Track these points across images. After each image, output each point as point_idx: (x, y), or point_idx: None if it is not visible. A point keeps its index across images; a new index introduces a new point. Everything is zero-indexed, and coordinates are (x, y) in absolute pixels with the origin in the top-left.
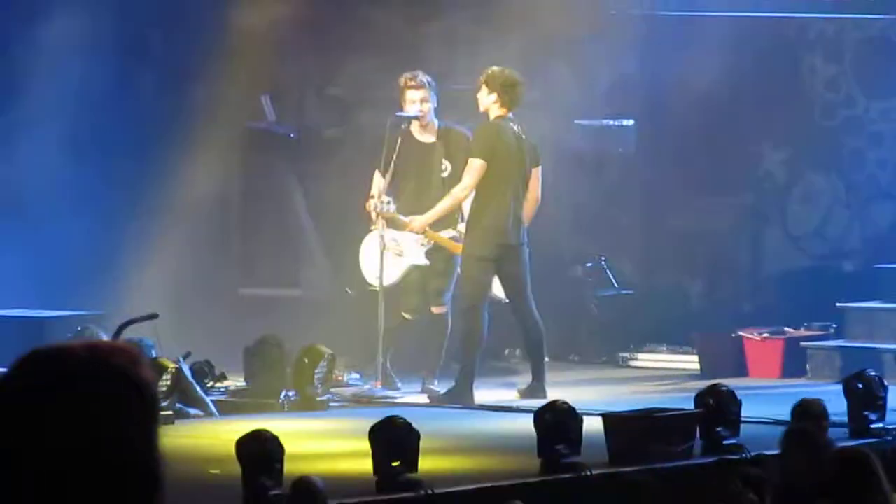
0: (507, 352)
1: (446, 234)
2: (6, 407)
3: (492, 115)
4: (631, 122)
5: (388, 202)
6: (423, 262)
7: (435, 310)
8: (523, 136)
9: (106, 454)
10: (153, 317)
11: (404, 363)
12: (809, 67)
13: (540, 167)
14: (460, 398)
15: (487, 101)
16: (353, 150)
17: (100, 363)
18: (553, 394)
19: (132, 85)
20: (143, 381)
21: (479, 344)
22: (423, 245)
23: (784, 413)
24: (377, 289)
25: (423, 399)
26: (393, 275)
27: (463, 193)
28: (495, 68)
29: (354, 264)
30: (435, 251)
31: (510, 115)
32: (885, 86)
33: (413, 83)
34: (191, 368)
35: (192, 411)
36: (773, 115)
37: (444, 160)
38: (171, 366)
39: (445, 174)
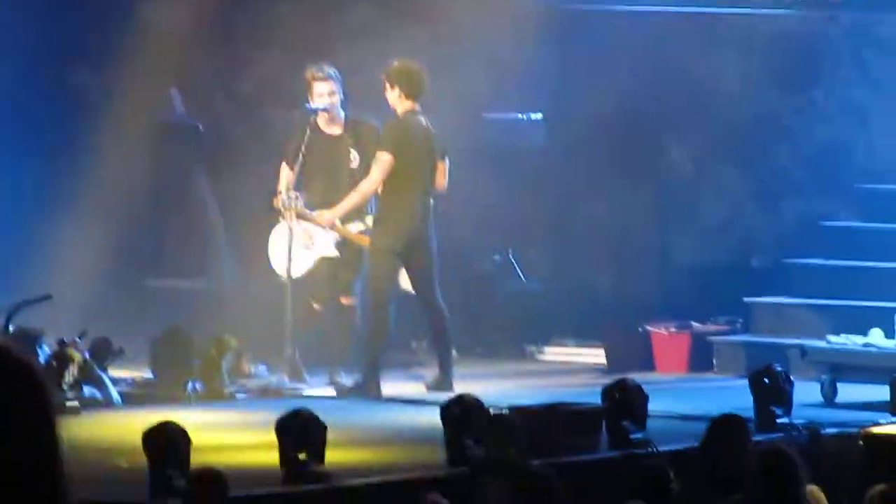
0: (413, 344)
1: (354, 227)
2: None
3: (400, 110)
4: (539, 115)
5: (296, 197)
6: (334, 253)
7: (344, 301)
8: (431, 129)
9: (7, 451)
10: (47, 298)
11: (312, 355)
12: (720, 61)
13: (447, 159)
14: (367, 391)
15: (392, 97)
16: (260, 144)
17: None
18: (460, 387)
19: (39, 78)
20: (39, 375)
21: (385, 337)
22: (333, 237)
23: (689, 408)
24: (285, 280)
25: (331, 391)
26: (302, 266)
27: (371, 188)
28: (394, 63)
29: (261, 256)
30: (345, 243)
31: (417, 107)
32: (797, 80)
33: (320, 75)
34: (89, 347)
35: (88, 390)
36: (684, 109)
37: (353, 151)
38: (78, 356)
39: (354, 165)
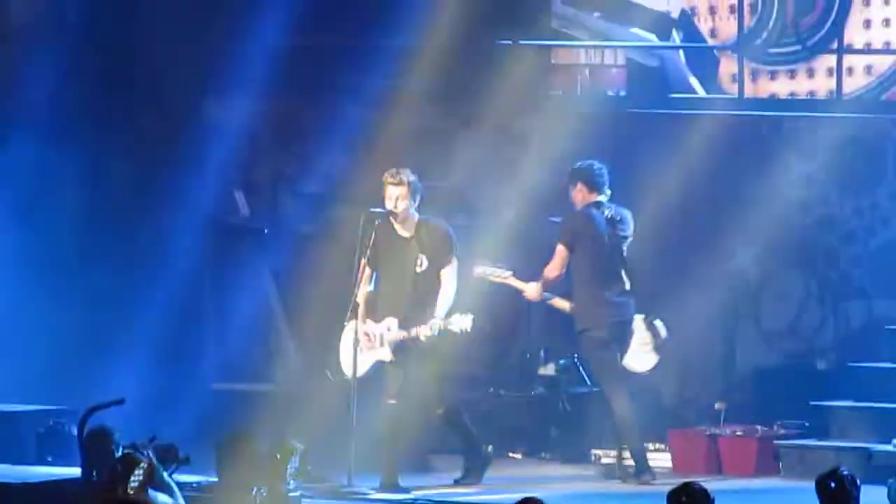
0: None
1: (423, 329)
2: None
3: (579, 205)
4: None
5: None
6: (388, 357)
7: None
8: (616, 217)
9: None
10: (119, 402)
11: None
12: (783, 165)
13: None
14: (646, 474)
15: (573, 194)
16: (326, 244)
17: None
18: (525, 491)
19: (103, 174)
20: None
21: (636, 424)
22: (390, 340)
23: None
24: (350, 381)
25: (393, 495)
26: (360, 367)
27: (548, 274)
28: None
29: (327, 358)
30: (402, 347)
31: (600, 199)
32: (859, 183)
33: (393, 180)
34: (155, 451)
35: (158, 496)
36: (747, 212)
37: (421, 255)
38: (143, 461)
39: (422, 269)
